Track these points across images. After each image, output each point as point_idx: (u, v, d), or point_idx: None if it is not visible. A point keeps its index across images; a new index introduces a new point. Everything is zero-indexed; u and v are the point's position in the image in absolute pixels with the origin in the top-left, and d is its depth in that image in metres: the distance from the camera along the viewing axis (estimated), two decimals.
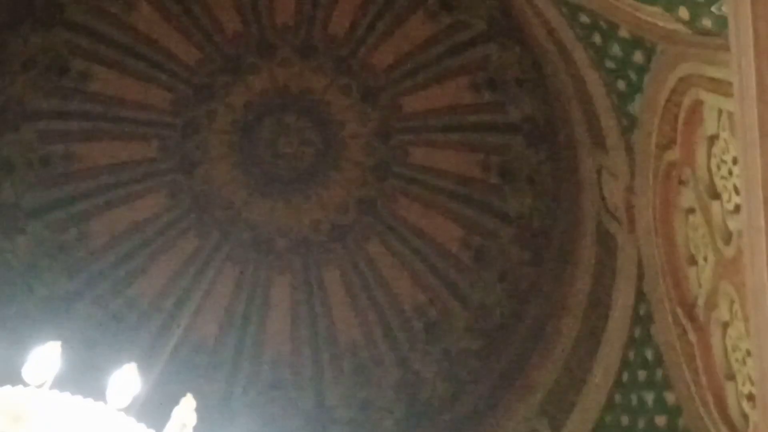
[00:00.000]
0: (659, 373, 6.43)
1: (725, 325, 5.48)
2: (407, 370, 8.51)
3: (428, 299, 8.64)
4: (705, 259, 5.62)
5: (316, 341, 8.76)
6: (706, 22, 4.69)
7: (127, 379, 4.63)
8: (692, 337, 5.89)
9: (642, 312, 6.52)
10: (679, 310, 5.99)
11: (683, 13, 4.79)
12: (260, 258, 9.01)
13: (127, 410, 4.60)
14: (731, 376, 5.54)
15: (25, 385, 4.46)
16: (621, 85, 6.00)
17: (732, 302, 5.34)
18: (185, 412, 4.64)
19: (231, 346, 8.81)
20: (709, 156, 5.34)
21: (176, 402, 4.69)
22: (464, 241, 8.61)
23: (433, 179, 8.84)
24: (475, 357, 8.29)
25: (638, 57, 5.69)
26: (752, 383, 5.22)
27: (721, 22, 4.53)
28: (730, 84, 4.65)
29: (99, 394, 4.54)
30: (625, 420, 6.73)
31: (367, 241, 8.93)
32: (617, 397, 6.83)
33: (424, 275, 8.71)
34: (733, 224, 5.18)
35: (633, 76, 5.85)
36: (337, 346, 8.72)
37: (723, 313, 5.46)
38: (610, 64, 6.00)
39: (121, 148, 9.20)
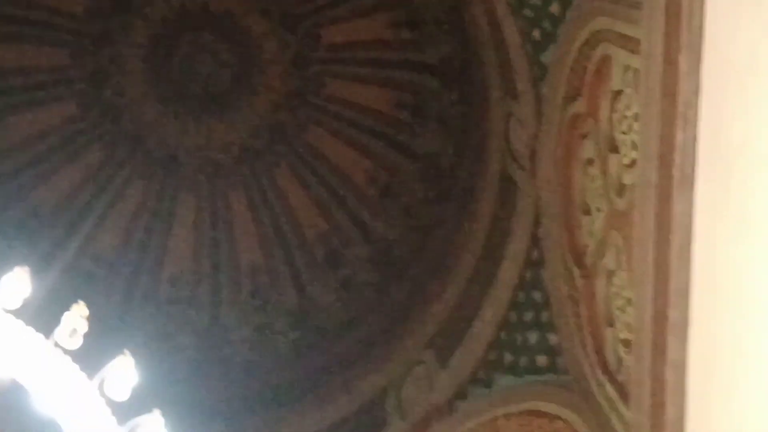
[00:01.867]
0: (545, 315, 6.68)
1: (610, 274, 5.71)
2: (305, 296, 8.62)
3: (331, 228, 8.74)
4: (598, 209, 5.82)
5: (216, 261, 8.80)
6: None
7: (17, 282, 4.62)
8: (579, 283, 6.11)
9: (535, 256, 6.74)
10: (569, 257, 6.20)
11: None
12: (167, 175, 8.97)
13: (18, 314, 4.60)
14: (611, 323, 5.79)
15: None
16: (536, 34, 6.12)
17: (619, 252, 5.56)
18: (76, 318, 4.65)
19: (131, 261, 8.80)
20: (611, 110, 5.51)
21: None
22: (371, 175, 8.71)
23: (346, 112, 8.89)
24: (372, 288, 8.43)
25: (555, 7, 5.81)
26: (629, 330, 5.46)
27: None
28: (638, 41, 4.79)
29: None
30: (508, 357, 6.97)
31: (275, 168, 8.96)
32: (503, 336, 7.06)
33: (328, 205, 8.79)
34: (627, 178, 5.37)
35: (548, 26, 5.97)
36: (238, 268, 8.77)
37: (609, 262, 5.69)
38: (527, 12, 6.11)
39: (32, 52, 9.00)
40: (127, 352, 4.45)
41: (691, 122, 4.44)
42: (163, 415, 4.82)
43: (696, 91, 4.38)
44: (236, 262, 8.78)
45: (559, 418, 6.38)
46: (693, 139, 4.45)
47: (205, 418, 7.85)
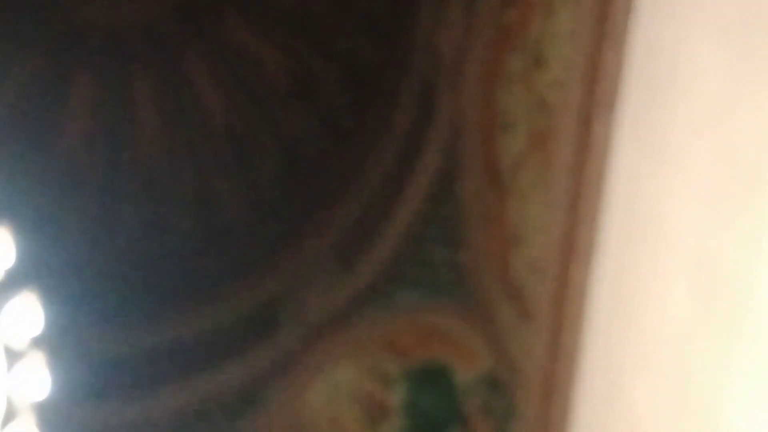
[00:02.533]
0: (453, 231, 6.64)
1: (523, 195, 5.68)
2: (206, 190, 8.38)
3: (240, 122, 8.47)
4: (518, 127, 5.76)
5: (114, 143, 8.46)
6: None
7: None
8: (491, 201, 6.08)
9: (449, 170, 6.65)
10: (483, 174, 6.16)
11: None
12: (67, 50, 8.55)
13: None
14: (519, 243, 5.78)
15: None
16: None
17: (534, 173, 5.52)
18: None
19: (23, 134, 8.42)
20: (543, 25, 5.40)
21: None
22: (288, 73, 8.45)
23: (267, 2, 8.56)
24: (278, 188, 8.24)
25: None
26: (536, 253, 5.46)
27: None
28: None
29: None
30: (411, 271, 6.93)
31: (185, 52, 8.60)
32: (408, 249, 7.01)
33: (239, 97, 8.50)
34: (550, 97, 5.29)
35: None
36: (136, 153, 8.46)
37: (524, 182, 5.65)
38: None
39: None
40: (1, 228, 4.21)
41: (621, 45, 4.37)
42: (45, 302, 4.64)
43: (628, 13, 4.30)
44: (135, 146, 8.45)
45: (457, 335, 6.41)
46: (620, 63, 4.39)
47: (90, 311, 7.67)
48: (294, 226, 7.81)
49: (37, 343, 4.70)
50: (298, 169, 8.17)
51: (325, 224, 7.61)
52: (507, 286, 5.89)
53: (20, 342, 4.30)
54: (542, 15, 5.36)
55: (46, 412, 6.04)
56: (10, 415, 4.45)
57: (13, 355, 4.41)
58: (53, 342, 5.40)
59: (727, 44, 3.41)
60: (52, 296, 4.76)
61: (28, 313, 4.22)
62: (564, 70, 4.89)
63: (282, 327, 7.49)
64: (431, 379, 6.53)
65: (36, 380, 4.33)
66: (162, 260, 8.09)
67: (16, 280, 4.29)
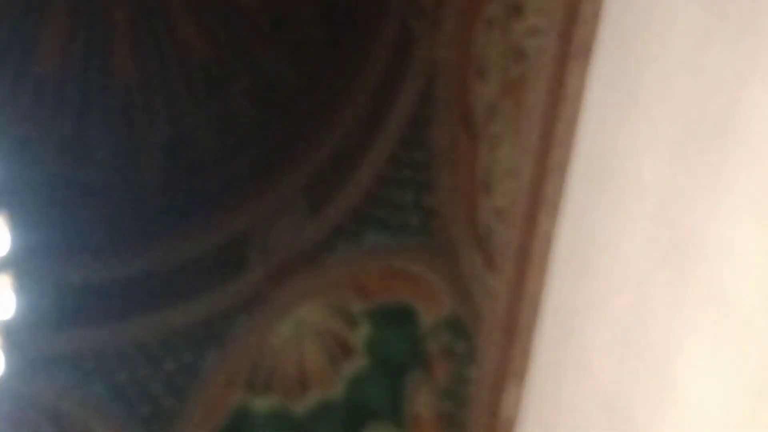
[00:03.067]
0: (423, 175, 6.68)
1: (495, 141, 5.71)
2: (178, 125, 8.34)
3: (214, 56, 8.41)
4: (493, 73, 5.77)
5: (87, 71, 8.38)
6: None
7: None
8: (462, 146, 6.11)
9: (422, 113, 6.67)
10: (457, 119, 6.18)
11: None
12: None
13: None
14: (488, 190, 5.83)
15: None
16: None
17: (507, 120, 5.54)
18: None
19: None
20: None
21: None
22: (266, 6, 8.36)
23: None
24: (251, 123, 8.22)
25: None
26: (504, 200, 5.51)
27: None
28: None
29: None
30: (380, 213, 6.98)
31: None
32: (378, 191, 7.05)
33: (215, 30, 8.43)
34: (527, 44, 5.30)
35: None
36: (110, 84, 8.40)
37: (496, 129, 5.68)
38: None
39: None
40: None
41: None
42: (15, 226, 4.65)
43: None
44: (110, 76, 8.39)
45: (421, 278, 6.48)
46: (597, 12, 4.40)
47: (60, 238, 7.67)
48: (265, 164, 7.82)
49: (4, 265, 4.72)
50: (271, 108, 8.16)
51: (297, 163, 7.63)
52: (474, 231, 5.95)
53: None
54: None
55: (11, 335, 6.07)
56: None
57: None
58: (23, 266, 5.42)
59: None
60: (22, 220, 4.77)
61: None
62: (540, 17, 4.89)
63: (250, 264, 7.53)
64: (395, 321, 6.61)
65: (1, 301, 4.35)
66: (134, 192, 8.08)
67: None
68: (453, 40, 6.17)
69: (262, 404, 6.85)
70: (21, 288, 5.44)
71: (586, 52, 4.47)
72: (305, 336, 6.91)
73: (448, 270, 6.27)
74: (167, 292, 7.54)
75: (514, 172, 5.04)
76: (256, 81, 8.32)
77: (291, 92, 8.14)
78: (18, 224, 5.36)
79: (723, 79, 3.30)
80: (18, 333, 6.72)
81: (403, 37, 6.92)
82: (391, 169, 6.93)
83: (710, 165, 3.37)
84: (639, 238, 3.82)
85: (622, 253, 3.99)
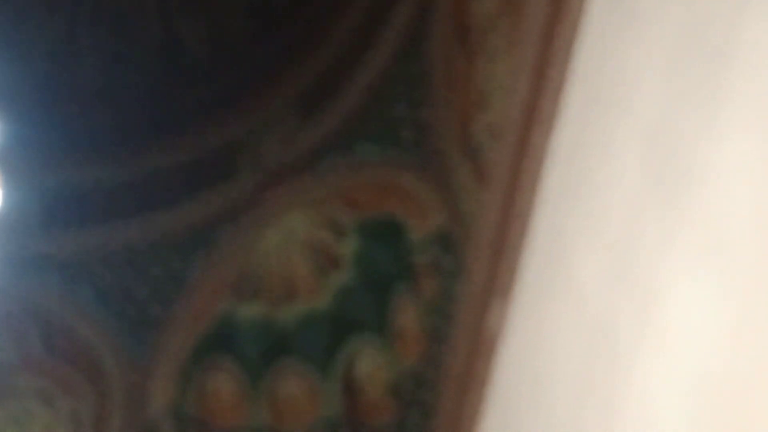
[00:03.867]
0: (418, 89, 6.65)
1: (492, 56, 5.67)
2: (171, 32, 8.22)
3: None
4: None
5: None
6: None
7: None
8: (458, 61, 6.07)
9: (419, 27, 6.61)
10: (454, 33, 6.12)
11: None
12: None
13: None
14: (482, 106, 5.81)
15: None
16: None
17: (505, 36, 5.49)
18: None
19: None
20: None
21: None
22: None
23: None
24: (246, 36, 8.12)
25: None
26: (498, 116, 5.49)
27: None
28: None
29: None
30: (373, 127, 6.95)
31: None
32: (371, 104, 7.02)
33: None
34: None
35: None
36: None
37: (494, 44, 5.63)
38: None
39: None
40: None
41: None
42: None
43: None
44: None
45: (411, 192, 6.49)
46: None
47: (49, 140, 7.61)
48: (259, 73, 7.75)
49: None
50: (266, 15, 8.05)
51: (291, 73, 7.56)
52: (466, 147, 5.94)
53: None
54: None
55: None
56: None
57: None
58: (10, 165, 5.39)
59: None
60: (12, 120, 4.73)
61: None
62: None
63: (239, 172, 7.52)
64: (384, 234, 6.64)
65: None
66: (125, 97, 8.02)
67: None
68: None
69: (248, 312, 6.91)
70: (8, 187, 5.43)
71: None
72: (293, 246, 6.94)
73: (438, 185, 6.28)
74: (155, 198, 7.54)
75: (509, 89, 5.00)
76: None
77: (286, 4, 8.03)
78: (7, 123, 5.33)
79: (720, 3, 3.26)
80: (4, 233, 6.74)
81: None
82: (385, 82, 6.90)
83: (705, 91, 3.35)
84: (631, 161, 3.81)
85: (613, 176, 3.99)
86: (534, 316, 4.83)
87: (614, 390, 3.91)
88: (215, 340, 6.86)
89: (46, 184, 7.51)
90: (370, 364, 6.86)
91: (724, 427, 3.09)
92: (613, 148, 4.00)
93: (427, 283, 6.27)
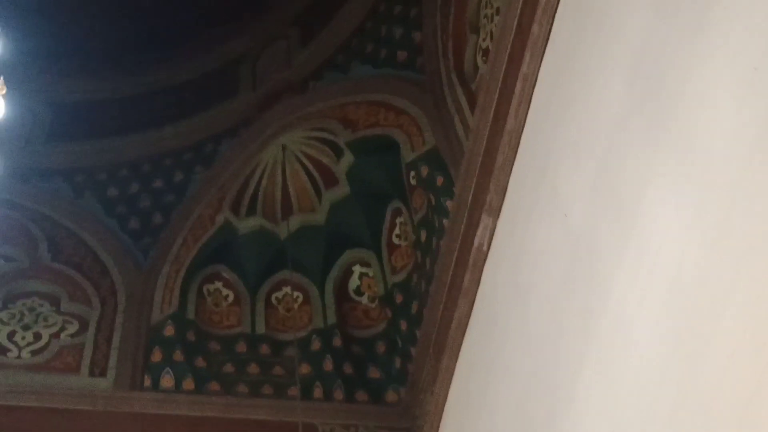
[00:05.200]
0: (414, 11, 6.72)
1: None
2: None
3: None
4: None
5: None
6: None
7: None
8: None
9: None
10: None
11: None
12: None
13: None
14: (476, 29, 5.90)
15: None
16: None
17: None
18: None
19: None
20: None
21: None
22: None
23: None
24: None
25: None
26: (491, 39, 5.59)
27: None
28: None
29: None
30: (369, 47, 7.05)
31: None
32: (368, 25, 7.10)
33: None
34: None
35: None
36: None
37: None
38: None
39: None
40: None
41: None
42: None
43: None
44: None
45: (405, 113, 6.57)
46: None
47: (55, 54, 7.68)
48: None
49: None
50: None
51: None
52: (460, 70, 6.03)
53: None
54: None
55: (5, 146, 6.21)
56: None
57: None
58: (17, 78, 5.49)
59: None
60: (18, 32, 4.82)
61: None
62: None
63: (239, 89, 7.61)
64: (377, 152, 6.73)
65: None
66: (131, 13, 8.05)
67: None
68: None
69: (246, 226, 7.02)
70: (16, 99, 5.52)
71: None
72: (290, 162, 7.02)
73: (431, 106, 6.37)
74: (158, 112, 7.64)
75: (502, 12, 5.11)
76: None
77: None
78: (14, 35, 5.39)
79: None
80: (12, 143, 6.88)
81: None
82: (382, 3, 6.96)
83: (690, 18, 3.49)
84: (617, 85, 3.96)
85: (600, 99, 4.14)
86: (519, 232, 5.02)
87: (593, 300, 4.14)
88: (215, 250, 6.99)
89: (54, 97, 7.60)
90: (363, 276, 7.03)
91: (695, 336, 3.34)
92: (600, 73, 4.15)
93: (419, 199, 6.38)
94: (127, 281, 6.81)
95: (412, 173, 6.40)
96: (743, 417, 3.00)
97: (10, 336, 6.58)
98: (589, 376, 4.09)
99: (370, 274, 6.99)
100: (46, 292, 6.80)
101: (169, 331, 6.65)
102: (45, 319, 6.69)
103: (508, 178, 5.11)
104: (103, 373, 6.44)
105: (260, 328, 6.94)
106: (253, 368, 6.71)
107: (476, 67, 5.87)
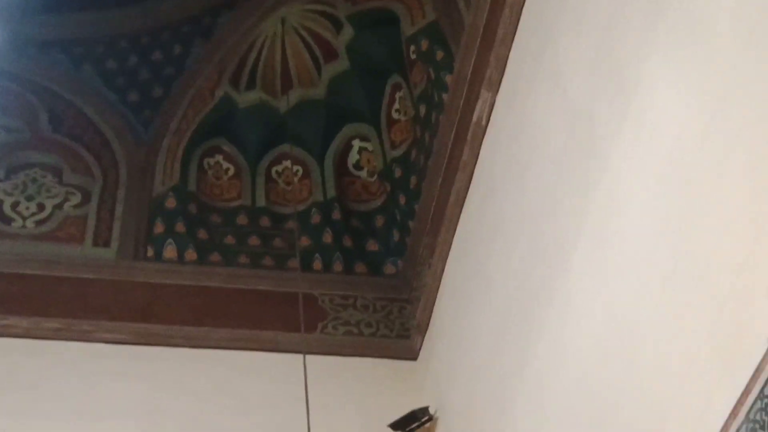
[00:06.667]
0: None
1: None
2: None
3: None
4: None
5: None
6: None
7: None
8: None
9: None
10: None
11: None
12: None
13: None
14: None
15: None
16: None
17: None
18: None
19: None
20: None
21: None
22: None
23: None
24: None
25: None
26: None
27: None
28: None
29: None
30: None
31: None
32: None
33: None
34: None
35: None
36: None
37: None
38: None
39: None
40: None
41: None
42: None
43: None
44: None
45: None
46: None
47: None
48: None
49: None
50: None
51: None
52: None
53: None
54: None
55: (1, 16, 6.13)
56: None
57: None
58: None
59: None
60: None
61: None
62: None
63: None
64: (378, 26, 6.68)
65: None
66: None
67: None
68: None
69: (246, 99, 7.00)
70: None
71: None
72: (290, 36, 6.98)
73: None
74: None
75: None
76: None
77: None
78: None
79: None
80: (10, 15, 6.82)
81: None
82: None
83: None
84: None
85: None
86: (518, 106, 5.06)
87: (590, 174, 4.21)
88: (215, 123, 7.00)
89: None
90: (362, 150, 7.08)
91: (690, 208, 3.42)
92: None
93: (419, 73, 6.37)
94: (128, 154, 6.84)
95: (412, 47, 6.38)
96: (735, 284, 3.10)
97: (14, 206, 6.66)
98: (584, 248, 4.20)
99: (370, 148, 7.03)
100: (48, 163, 6.85)
101: (170, 203, 6.73)
102: (48, 190, 6.76)
103: (508, 53, 5.12)
104: (106, 244, 6.54)
105: (260, 201, 7.02)
106: (253, 240, 6.81)
107: None
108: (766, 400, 2.90)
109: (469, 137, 5.57)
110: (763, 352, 2.91)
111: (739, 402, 3.00)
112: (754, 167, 3.08)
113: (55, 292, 6.17)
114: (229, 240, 6.78)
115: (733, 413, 3.03)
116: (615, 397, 3.78)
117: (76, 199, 6.75)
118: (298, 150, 7.08)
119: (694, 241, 3.37)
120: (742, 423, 2.99)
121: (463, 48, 5.62)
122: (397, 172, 6.75)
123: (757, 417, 2.93)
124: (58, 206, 6.70)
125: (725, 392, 3.06)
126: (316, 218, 6.92)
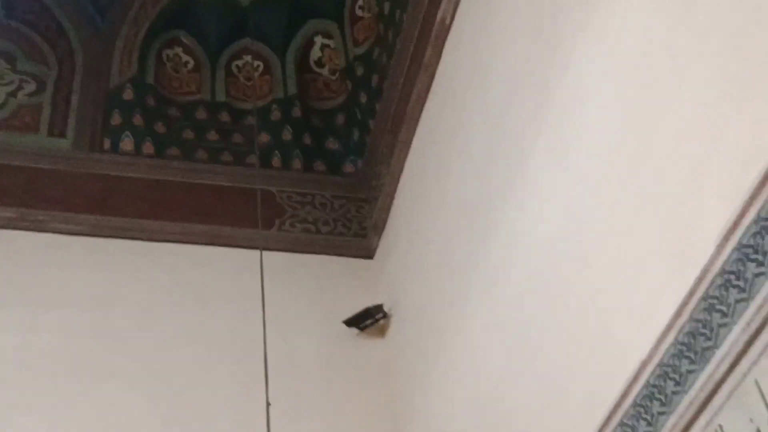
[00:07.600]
0: None
1: None
2: None
3: None
4: None
5: None
6: None
7: None
8: None
9: None
10: None
11: None
12: None
13: None
14: None
15: None
16: None
17: None
18: None
19: None
20: None
21: None
22: None
23: None
24: None
25: None
26: None
27: None
28: None
29: None
30: None
31: None
32: None
33: None
34: None
35: None
36: None
37: None
38: None
39: None
40: None
41: None
42: None
43: None
44: None
45: None
46: None
47: None
48: None
49: None
50: None
51: None
52: None
53: None
54: None
55: None
56: None
57: None
58: None
59: None
60: None
61: None
62: None
63: None
64: None
65: None
66: None
67: None
68: None
69: None
70: None
71: None
72: None
73: None
74: None
75: None
76: None
77: None
78: None
79: None
80: None
81: None
82: None
83: None
84: None
85: None
86: (482, 5, 5.00)
87: (552, 73, 4.19)
88: (175, 14, 6.82)
89: None
90: (324, 47, 6.98)
91: (650, 112, 3.41)
92: None
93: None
94: (84, 42, 6.67)
95: None
96: (688, 186, 3.13)
97: None
98: (543, 148, 4.20)
99: (332, 45, 6.93)
100: (0, 50, 6.68)
101: (128, 95, 6.61)
102: (1, 77, 6.60)
103: None
104: (62, 134, 6.43)
105: (220, 96, 6.92)
106: (212, 135, 6.74)
107: None
108: (710, 301, 2.94)
109: (432, 36, 5.51)
110: (710, 253, 2.95)
111: (684, 302, 3.05)
112: (716, 70, 3.08)
113: (8, 181, 6.06)
114: (188, 134, 6.70)
115: (678, 312, 3.08)
116: (565, 295, 3.83)
117: (30, 87, 6.60)
118: (260, 45, 6.95)
119: (652, 143, 3.39)
120: (686, 322, 3.04)
121: None
122: (359, 71, 6.67)
123: (701, 317, 2.98)
124: (12, 94, 6.56)
125: (673, 293, 3.11)
126: (276, 115, 6.85)
